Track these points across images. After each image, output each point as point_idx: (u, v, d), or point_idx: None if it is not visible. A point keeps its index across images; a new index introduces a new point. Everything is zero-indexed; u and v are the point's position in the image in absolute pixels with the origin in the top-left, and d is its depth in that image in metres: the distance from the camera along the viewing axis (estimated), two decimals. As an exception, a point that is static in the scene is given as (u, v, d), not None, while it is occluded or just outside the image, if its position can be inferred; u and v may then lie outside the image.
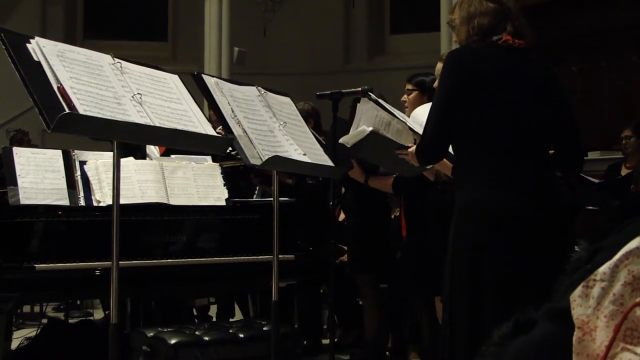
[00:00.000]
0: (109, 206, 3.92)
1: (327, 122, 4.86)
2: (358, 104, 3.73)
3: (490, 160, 2.91)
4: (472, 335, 2.82)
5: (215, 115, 3.26)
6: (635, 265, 1.11)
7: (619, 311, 1.10)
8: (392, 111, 3.55)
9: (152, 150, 4.79)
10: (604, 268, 1.13)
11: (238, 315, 6.14)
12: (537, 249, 2.84)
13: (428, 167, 3.64)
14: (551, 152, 3.13)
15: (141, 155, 4.52)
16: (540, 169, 2.96)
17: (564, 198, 3.15)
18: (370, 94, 3.94)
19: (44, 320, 5.75)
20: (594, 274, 1.13)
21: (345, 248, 5.72)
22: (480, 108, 2.91)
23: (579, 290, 1.14)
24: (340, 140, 3.64)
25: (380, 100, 3.68)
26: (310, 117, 5.39)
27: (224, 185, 4.44)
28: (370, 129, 3.47)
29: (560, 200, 3.00)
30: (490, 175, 2.90)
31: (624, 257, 1.12)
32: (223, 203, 4.38)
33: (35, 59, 2.49)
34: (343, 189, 5.55)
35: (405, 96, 4.54)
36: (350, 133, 3.62)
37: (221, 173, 4.48)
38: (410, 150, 3.31)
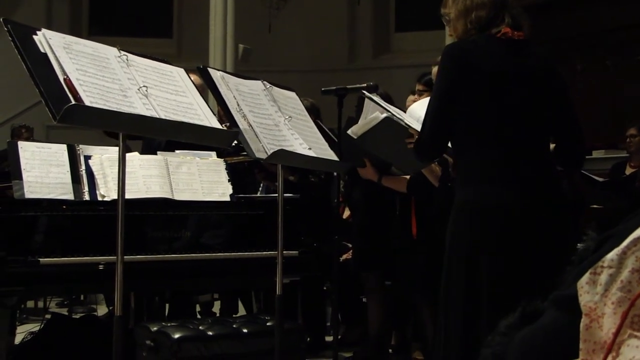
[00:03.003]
0: (113, 201, 3.93)
1: (331, 118, 4.85)
2: (366, 99, 3.72)
3: (489, 156, 2.86)
4: (467, 332, 2.79)
5: (221, 108, 3.26)
6: (643, 252, 1.11)
7: (627, 298, 1.09)
8: (391, 110, 3.53)
9: None
10: (612, 255, 1.12)
11: (241, 312, 6.14)
12: (535, 247, 2.80)
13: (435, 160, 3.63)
14: (552, 145, 3.10)
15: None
16: (541, 165, 2.91)
17: (566, 195, 3.12)
18: (366, 92, 3.92)
19: (48, 316, 5.75)
20: (601, 260, 1.13)
21: (349, 245, 5.71)
22: (479, 103, 2.86)
23: (586, 277, 1.14)
24: (349, 131, 3.62)
25: (377, 99, 3.66)
26: (310, 113, 5.38)
27: (229, 180, 4.43)
28: (385, 115, 3.44)
29: (561, 197, 2.96)
30: (489, 172, 2.86)
31: (631, 244, 1.11)
32: (227, 199, 4.38)
33: (42, 50, 2.49)
34: (349, 186, 5.54)
35: (416, 96, 4.53)
36: (359, 123, 3.60)
37: (226, 169, 4.48)
38: None
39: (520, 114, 2.88)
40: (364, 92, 3.94)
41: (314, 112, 5.60)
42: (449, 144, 3.03)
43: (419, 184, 4.40)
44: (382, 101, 3.66)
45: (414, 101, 4.53)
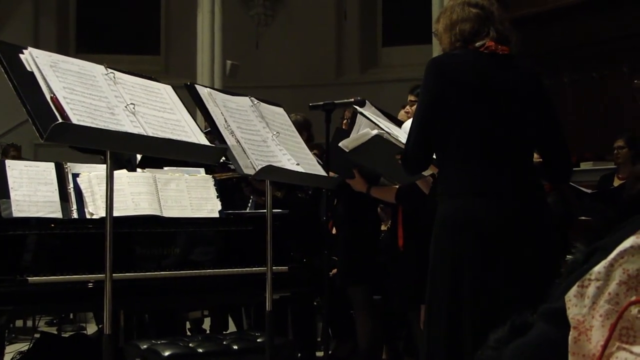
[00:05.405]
0: (102, 219, 3.91)
1: (319, 133, 4.86)
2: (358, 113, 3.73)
3: (471, 169, 2.86)
4: (450, 344, 2.80)
5: (209, 125, 3.26)
6: (630, 264, 1.11)
7: (615, 310, 1.10)
8: (382, 126, 3.53)
9: None
10: (599, 267, 1.13)
11: (232, 328, 6.12)
12: (518, 261, 2.79)
13: (426, 174, 3.63)
14: (538, 161, 3.10)
15: (131, 168, 4.50)
16: (523, 178, 2.91)
17: (548, 208, 3.11)
18: (358, 107, 3.93)
19: (37, 335, 5.71)
20: (589, 273, 1.13)
21: (338, 260, 5.70)
22: (461, 116, 2.87)
23: (574, 290, 1.14)
24: (340, 144, 3.62)
25: (368, 114, 3.67)
26: (304, 129, 5.37)
27: (217, 197, 4.43)
28: (375, 132, 3.45)
29: (543, 210, 2.95)
30: (471, 185, 2.86)
31: (618, 256, 1.11)
32: (216, 215, 4.37)
33: (29, 69, 2.49)
34: (332, 201, 5.53)
35: (407, 107, 4.54)
36: (350, 137, 3.61)
37: (214, 185, 4.47)
38: None
39: (501, 127, 2.89)
40: (356, 107, 3.95)
41: (307, 127, 5.60)
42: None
43: (408, 194, 4.40)
44: (374, 116, 3.66)
45: (406, 113, 4.55)
